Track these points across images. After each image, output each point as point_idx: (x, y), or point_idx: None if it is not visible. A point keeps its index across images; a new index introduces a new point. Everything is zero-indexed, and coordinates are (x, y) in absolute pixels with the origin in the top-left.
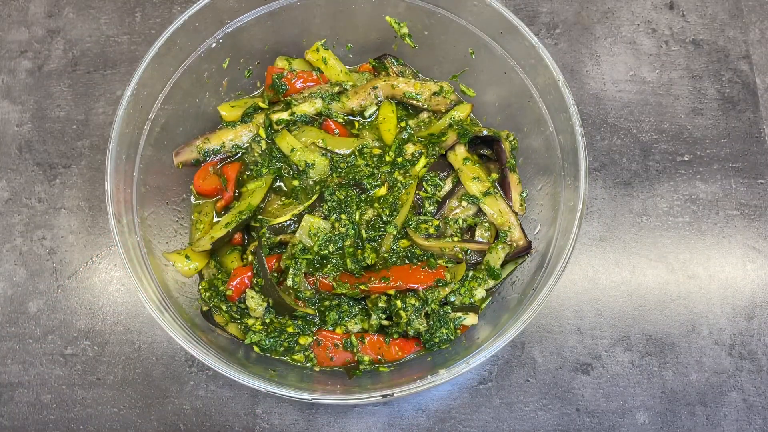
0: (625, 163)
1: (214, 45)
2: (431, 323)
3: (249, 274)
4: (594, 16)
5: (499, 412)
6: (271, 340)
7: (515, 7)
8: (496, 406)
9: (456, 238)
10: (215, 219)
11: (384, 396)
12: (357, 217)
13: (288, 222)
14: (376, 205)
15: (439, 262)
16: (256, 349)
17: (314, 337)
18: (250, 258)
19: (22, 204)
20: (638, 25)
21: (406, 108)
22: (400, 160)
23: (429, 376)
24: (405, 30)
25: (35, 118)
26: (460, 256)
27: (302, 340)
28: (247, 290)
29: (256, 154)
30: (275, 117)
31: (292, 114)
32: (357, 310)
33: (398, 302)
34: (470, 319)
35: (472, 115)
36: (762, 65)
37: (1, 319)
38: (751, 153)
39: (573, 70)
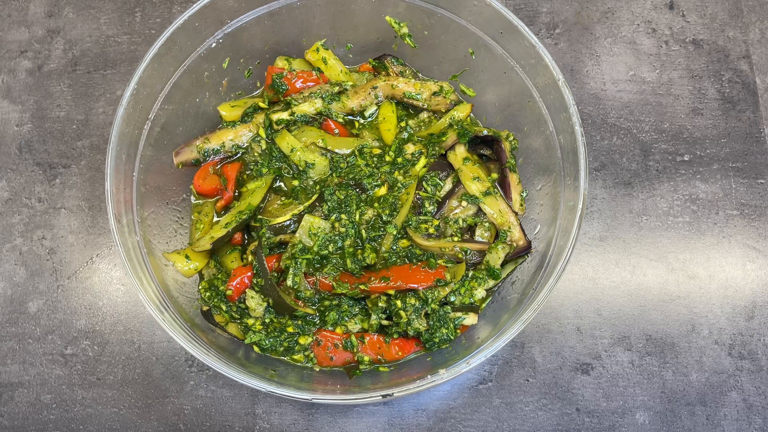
0: (625, 163)
1: (214, 45)
2: (431, 323)
3: (249, 274)
4: (594, 16)
5: (499, 412)
6: (271, 340)
7: (515, 7)
8: (496, 406)
9: (456, 238)
10: (215, 219)
11: (384, 396)
12: (357, 217)
13: (288, 222)
14: (376, 205)
15: (439, 262)
16: (256, 349)
17: (314, 337)
18: (250, 258)
19: (22, 204)
20: (638, 25)
21: (406, 108)
22: (400, 160)
23: (429, 376)
24: (405, 30)
25: (35, 118)
26: (460, 256)
27: (302, 340)
28: (247, 290)
29: (256, 154)
30: (275, 117)
31: (292, 114)
32: (357, 310)
33: (398, 302)
34: (470, 319)
35: (472, 115)
36: (762, 65)
37: (1, 319)
38: (751, 153)
39: (573, 70)
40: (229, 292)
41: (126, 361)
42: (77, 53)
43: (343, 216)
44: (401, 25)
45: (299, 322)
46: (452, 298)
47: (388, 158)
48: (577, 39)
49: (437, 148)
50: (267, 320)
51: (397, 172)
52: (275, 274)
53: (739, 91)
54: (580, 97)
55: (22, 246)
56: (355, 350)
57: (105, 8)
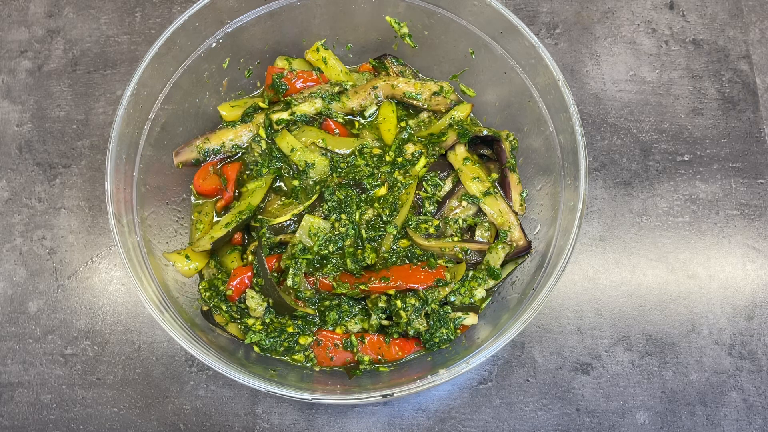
0: (625, 163)
1: (214, 45)
2: (431, 323)
3: (249, 274)
4: (594, 16)
5: (499, 412)
6: (271, 340)
7: (515, 7)
8: (496, 406)
9: (456, 238)
10: (215, 219)
11: (384, 396)
12: (357, 217)
13: (288, 222)
14: (376, 205)
15: (439, 262)
16: (256, 349)
17: (314, 337)
18: (250, 258)
19: (22, 204)
20: (638, 25)
21: (406, 108)
22: (400, 160)
23: (429, 376)
24: (405, 30)
25: (35, 118)
26: (460, 256)
27: (302, 340)
28: (247, 290)
29: (256, 154)
30: (275, 117)
31: (292, 114)
32: (357, 310)
33: (398, 302)
34: (470, 319)
35: (472, 115)
36: (762, 65)
37: (1, 319)
38: (751, 153)
39: (573, 70)
40: (229, 292)
41: (126, 361)
42: (77, 53)
43: (343, 216)
44: (401, 25)
45: (299, 322)
46: (452, 298)
47: (388, 158)
48: (577, 39)
49: (437, 148)
50: (267, 320)
51: (397, 172)
52: (275, 274)
53: (739, 91)
54: (580, 97)
55: (22, 246)
56: (355, 350)
57: (105, 8)
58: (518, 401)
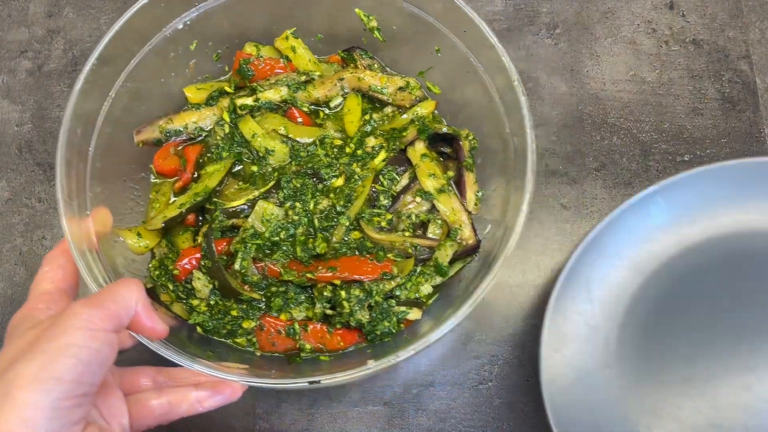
0: (625, 163)
1: (181, 26)
2: (374, 315)
3: (197, 255)
4: (594, 16)
5: (499, 412)
6: (214, 321)
7: (515, 7)
8: (496, 406)
9: (407, 233)
10: (172, 199)
11: (311, 383)
12: (311, 206)
13: (242, 207)
14: (331, 195)
15: (389, 255)
16: (198, 329)
17: (258, 322)
18: (200, 239)
19: (22, 204)
20: (638, 25)
21: (373, 101)
22: (360, 152)
23: (358, 367)
24: (374, 23)
25: (35, 118)
26: (409, 251)
27: (246, 324)
28: (194, 271)
29: (218, 138)
30: (239, 102)
31: (257, 100)
32: (303, 298)
33: (342, 292)
34: (414, 314)
35: (436, 112)
36: (762, 65)
37: (1, 319)
38: (751, 153)
39: (573, 70)
40: (176, 272)
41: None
42: (77, 53)
43: (297, 204)
44: (370, 18)
45: (244, 306)
46: (398, 293)
47: (348, 150)
48: (577, 39)
49: (398, 143)
50: (212, 302)
51: (355, 164)
52: (224, 257)
53: (739, 91)
54: (580, 97)
55: (22, 246)
56: (297, 337)
57: (105, 8)
58: (518, 401)
